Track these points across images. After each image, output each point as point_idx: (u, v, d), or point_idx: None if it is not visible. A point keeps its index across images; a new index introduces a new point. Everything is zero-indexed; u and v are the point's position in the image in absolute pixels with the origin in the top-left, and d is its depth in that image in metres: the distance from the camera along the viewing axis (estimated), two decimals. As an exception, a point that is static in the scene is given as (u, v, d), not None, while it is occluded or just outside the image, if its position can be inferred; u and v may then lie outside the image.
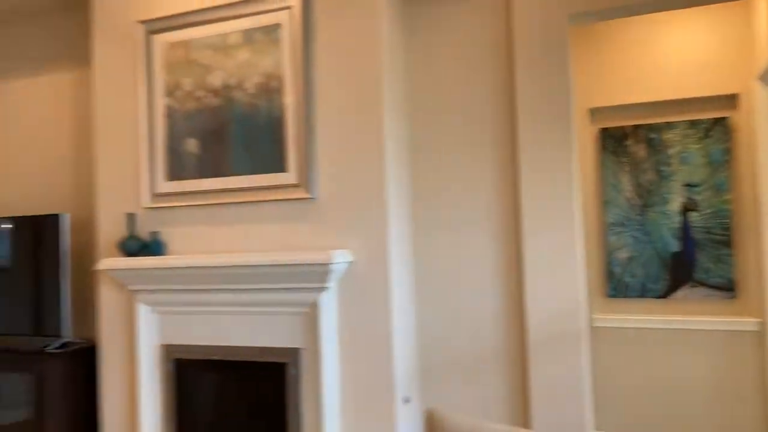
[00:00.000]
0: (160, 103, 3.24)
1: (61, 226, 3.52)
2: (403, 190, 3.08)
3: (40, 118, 4.10)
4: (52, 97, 4.06)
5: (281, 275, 2.84)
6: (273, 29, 3.02)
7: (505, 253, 3.04)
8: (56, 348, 3.44)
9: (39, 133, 4.10)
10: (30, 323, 3.65)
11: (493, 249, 3.06)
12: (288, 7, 2.98)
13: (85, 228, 3.90)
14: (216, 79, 3.13)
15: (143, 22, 3.27)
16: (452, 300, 3.13)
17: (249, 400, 3.09)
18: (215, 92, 3.14)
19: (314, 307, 2.86)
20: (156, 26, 3.25)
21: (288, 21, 2.99)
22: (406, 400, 2.93)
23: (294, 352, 2.93)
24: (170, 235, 3.22)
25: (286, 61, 2.99)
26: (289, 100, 2.98)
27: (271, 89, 3.02)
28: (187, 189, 3.18)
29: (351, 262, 2.88)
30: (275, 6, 3.01)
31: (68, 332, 3.52)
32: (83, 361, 3.51)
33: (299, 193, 2.97)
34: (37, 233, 3.63)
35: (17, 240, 3.70)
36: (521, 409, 3.00)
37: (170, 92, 3.23)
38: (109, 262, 3.12)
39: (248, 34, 3.07)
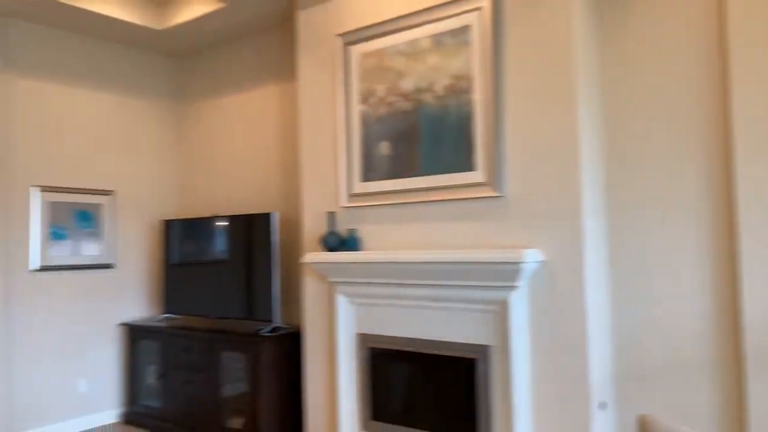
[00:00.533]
0: (356, 109, 3.48)
1: (272, 224, 3.94)
2: (596, 188, 2.96)
3: (251, 128, 4.63)
4: (261, 109, 4.56)
5: (472, 273, 2.90)
6: (462, 32, 3.09)
7: (715, 249, 2.79)
8: (268, 332, 3.86)
9: (250, 142, 4.63)
10: (244, 309, 4.14)
11: (700, 245, 2.82)
12: (478, 8, 3.03)
13: (291, 225, 4.32)
14: (407, 84, 3.28)
15: (341, 35, 3.53)
16: (651, 299, 2.94)
17: (438, 392, 3.20)
18: (406, 96, 3.29)
19: (504, 305, 2.88)
20: (352, 38, 3.49)
21: (477, 22, 3.03)
22: (602, 406, 2.83)
23: (483, 349, 2.97)
24: (365, 231, 3.45)
25: (475, 61, 3.04)
26: (478, 99, 3.03)
27: (459, 90, 3.09)
28: (380, 189, 3.38)
29: (542, 262, 2.85)
30: (465, 8, 3.07)
31: (277, 318, 3.94)
32: (290, 344, 3.90)
33: (486, 192, 3.00)
34: (251, 230, 4.11)
35: (233, 236, 4.22)
36: (735, 425, 2.73)
37: (365, 99, 3.45)
38: (312, 256, 3.43)
39: (437, 39, 3.17)
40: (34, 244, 4.23)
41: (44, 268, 4.28)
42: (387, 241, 3.37)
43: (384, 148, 3.38)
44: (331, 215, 3.51)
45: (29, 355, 4.19)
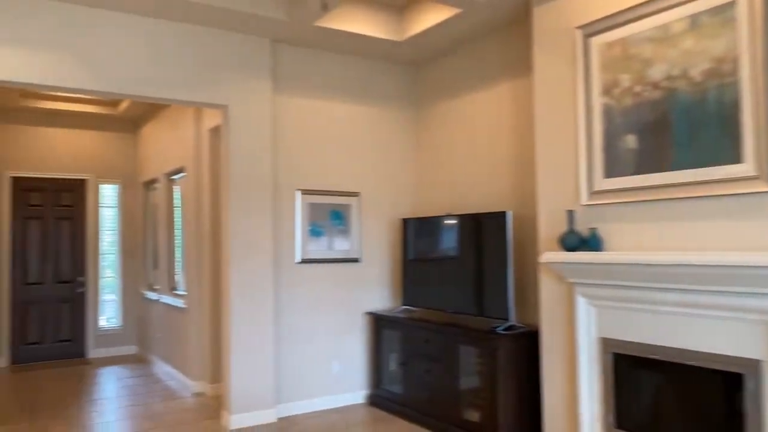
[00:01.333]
0: (597, 102, 3.33)
1: (506, 223, 3.97)
2: None
3: (484, 128, 4.71)
4: (495, 107, 4.61)
5: (740, 278, 2.59)
6: (725, 8, 2.77)
7: None
8: (503, 330, 3.90)
9: (484, 141, 4.71)
10: (474, 305, 4.23)
11: None
12: (744, -19, 2.69)
13: (523, 224, 4.30)
14: (656, 72, 3.05)
15: (580, 27, 3.41)
16: None
17: (692, 406, 2.92)
18: (654, 85, 3.06)
19: (781, 315, 2.52)
20: (593, 29, 3.35)
21: (744, -4, 2.69)
22: None
23: (752, 364, 2.63)
24: (607, 231, 3.28)
25: (742, 40, 2.71)
26: (746, 82, 2.69)
27: (722, 74, 2.78)
28: (625, 186, 3.19)
29: (833, 267, 2.43)
30: (728, -18, 2.75)
31: (512, 316, 3.96)
32: (526, 344, 3.89)
33: (757, 186, 2.65)
34: (484, 228, 4.18)
35: (466, 234, 4.34)
36: None
37: (607, 90, 3.29)
38: (551, 256, 3.37)
39: (694, 19, 2.89)
40: (297, 240, 4.85)
41: (304, 261, 4.88)
42: (632, 241, 3.17)
43: (629, 141, 3.18)
44: (570, 213, 3.41)
45: (292, 336, 4.82)
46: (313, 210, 4.96)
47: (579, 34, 3.43)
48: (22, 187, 7.03)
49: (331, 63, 5.07)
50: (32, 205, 7.10)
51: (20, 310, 6.99)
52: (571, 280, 3.37)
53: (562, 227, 3.55)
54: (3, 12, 3.74)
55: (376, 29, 4.67)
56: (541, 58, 3.71)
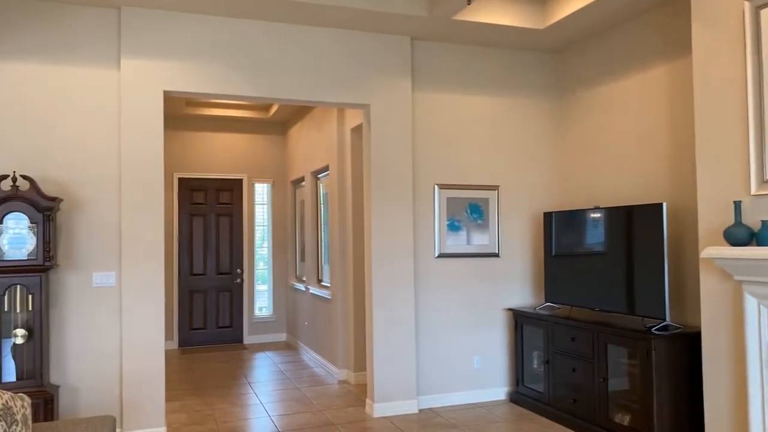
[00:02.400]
0: (770, 81, 2.99)
1: (661, 215, 3.71)
2: None
3: (634, 115, 4.42)
4: (646, 92, 4.31)
5: None
6: None
7: None
8: (658, 329, 3.64)
9: (633, 129, 4.42)
10: (624, 303, 3.99)
11: None
12: None
13: (678, 216, 3.98)
14: None
15: (748, -2, 3.08)
16: None
17: None
18: (843, 57, 2.68)
19: None
20: (764, 0, 3.01)
21: None
22: None
23: None
24: (783, 223, 2.94)
25: None
26: None
27: None
28: (805, 172, 2.83)
29: None
30: None
31: (667, 316, 3.68)
32: (683, 345, 3.61)
33: None
34: (635, 221, 3.93)
35: (615, 227, 4.11)
36: None
37: (782, 67, 2.94)
38: (714, 251, 3.09)
39: None
40: (436, 235, 4.90)
41: (442, 255, 4.91)
42: (814, 235, 2.80)
43: (810, 123, 2.82)
44: (738, 204, 3.10)
45: (431, 330, 4.87)
46: (451, 204, 4.97)
47: (748, 7, 3.10)
48: (188, 187, 7.80)
49: (467, 55, 5.04)
50: (195, 203, 7.84)
51: (187, 298, 7.77)
52: (739, 278, 3.06)
53: (726, 219, 3.23)
54: (182, 32, 4.17)
55: (516, 18, 4.57)
56: (701, 35, 3.40)
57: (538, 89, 5.27)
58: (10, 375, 3.72)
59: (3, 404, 2.37)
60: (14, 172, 3.76)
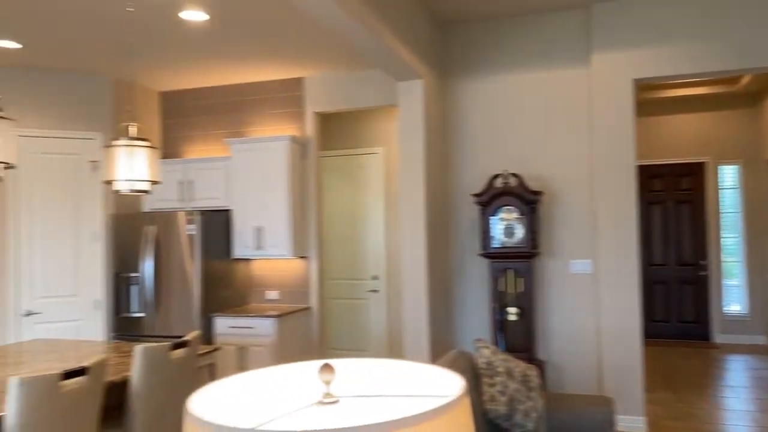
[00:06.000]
0: None
1: None
2: None
3: None
4: None
5: None
6: None
7: None
8: None
9: None
10: None
11: None
12: None
13: None
14: None
15: None
16: None
17: None
18: None
19: None
20: None
21: None
22: None
23: None
24: None
25: None
26: None
27: None
28: None
29: None
30: None
31: None
32: None
33: None
34: None
35: None
36: None
37: None
38: None
39: None
40: None
41: None
42: None
43: None
44: None
45: None
46: None
47: None
48: (645, 174, 7.57)
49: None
50: (653, 191, 7.55)
51: (647, 289, 7.56)
52: None
53: None
54: (651, 18, 4.09)
55: None
56: None
57: None
58: (500, 347, 4.31)
59: (521, 372, 2.76)
60: (505, 170, 4.33)
